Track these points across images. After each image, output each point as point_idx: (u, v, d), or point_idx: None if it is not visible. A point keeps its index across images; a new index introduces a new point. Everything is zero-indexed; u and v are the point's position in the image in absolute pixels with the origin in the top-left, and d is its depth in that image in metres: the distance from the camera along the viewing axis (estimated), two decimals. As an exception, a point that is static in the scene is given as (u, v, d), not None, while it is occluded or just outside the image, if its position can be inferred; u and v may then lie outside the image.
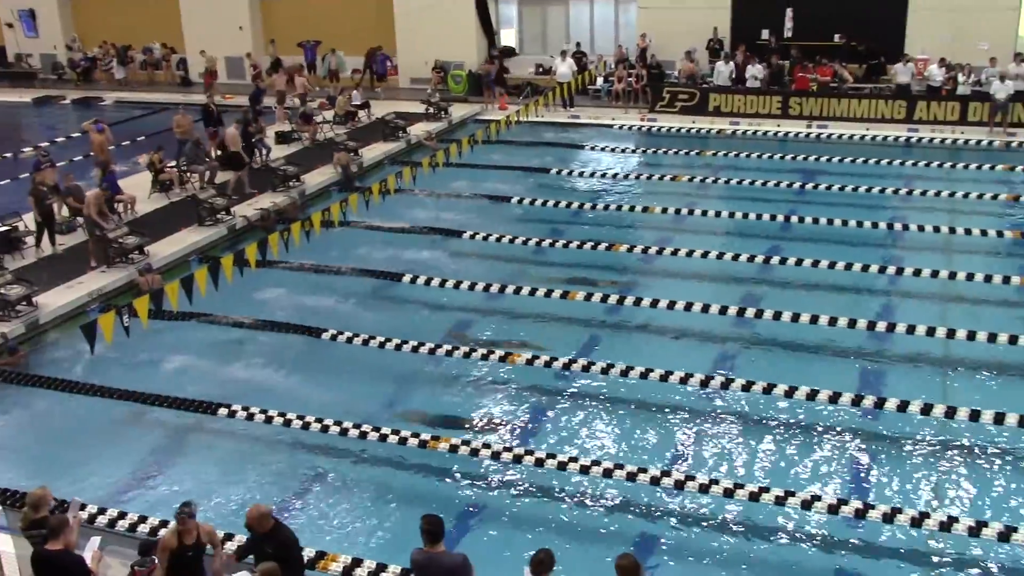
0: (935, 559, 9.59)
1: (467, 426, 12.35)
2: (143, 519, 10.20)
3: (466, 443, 11.47)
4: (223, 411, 12.35)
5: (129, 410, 12.82)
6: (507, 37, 34.54)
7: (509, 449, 11.37)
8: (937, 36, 27.65)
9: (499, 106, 29.82)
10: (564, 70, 29.40)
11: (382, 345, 14.09)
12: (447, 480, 11.20)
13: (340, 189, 22.15)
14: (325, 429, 11.91)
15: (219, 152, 23.02)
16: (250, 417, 12.23)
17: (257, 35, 35.00)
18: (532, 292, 15.74)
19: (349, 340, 14.22)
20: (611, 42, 32.55)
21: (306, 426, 11.99)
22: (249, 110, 25.18)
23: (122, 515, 10.27)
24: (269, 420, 12.14)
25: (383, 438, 11.65)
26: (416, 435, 11.61)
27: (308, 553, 9.42)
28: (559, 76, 29.36)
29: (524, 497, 10.83)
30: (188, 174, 21.95)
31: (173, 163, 22.20)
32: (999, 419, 11.50)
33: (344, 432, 11.83)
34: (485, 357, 13.71)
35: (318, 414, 12.11)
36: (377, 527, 10.42)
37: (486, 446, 11.43)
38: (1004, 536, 9.49)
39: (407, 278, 16.52)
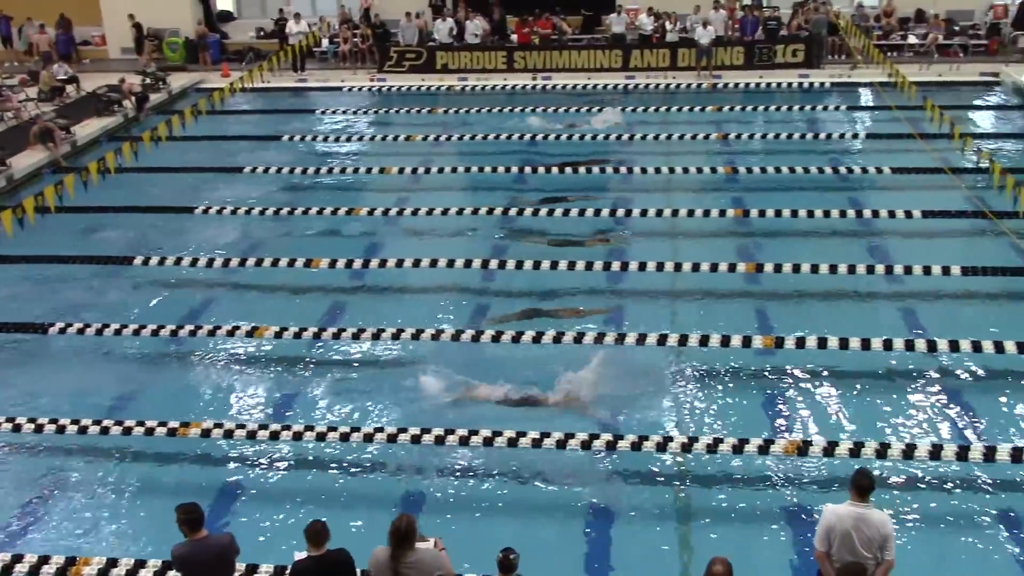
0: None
1: (220, 407, 11.92)
2: None
3: (219, 426, 11.06)
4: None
5: None
6: (223, 1, 33.16)
7: (265, 427, 11.07)
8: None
9: (222, 73, 28.62)
10: (298, 31, 28.68)
11: (118, 332, 13.30)
12: (203, 466, 10.78)
13: (53, 171, 20.55)
14: (61, 430, 11.11)
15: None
16: (-26, 426, 11.23)
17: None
18: (275, 263, 15.31)
19: (80, 332, 13.31)
20: (333, 3, 31.97)
21: (39, 429, 11.15)
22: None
23: None
24: (-4, 427, 11.20)
25: (127, 431, 11.02)
26: (163, 424, 11.05)
27: (57, 561, 8.85)
28: (293, 37, 28.60)
29: (287, 471, 10.62)
30: None
31: None
32: (725, 341, 12.37)
33: (83, 430, 11.08)
34: (231, 333, 13.25)
35: (53, 414, 11.30)
36: (131, 524, 9.88)
37: (240, 426, 11.07)
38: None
39: (139, 260, 15.62)
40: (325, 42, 30.63)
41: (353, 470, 10.60)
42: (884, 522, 7.38)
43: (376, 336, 13.03)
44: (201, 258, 15.72)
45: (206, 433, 10.95)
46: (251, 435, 10.92)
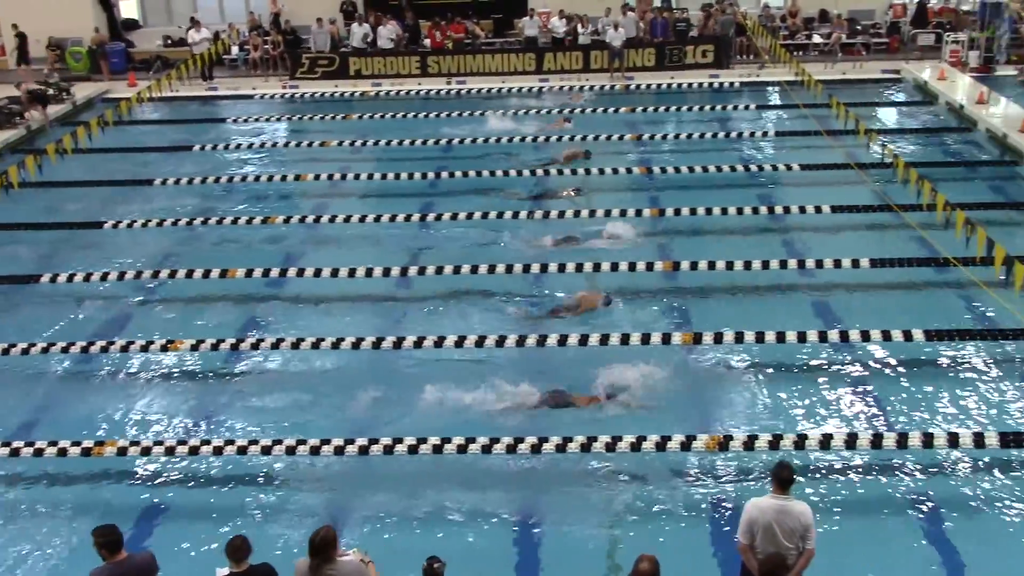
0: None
1: (137, 425, 11.63)
2: None
3: (136, 443, 10.79)
4: None
5: None
6: (128, 9, 32.42)
7: (184, 442, 10.83)
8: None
9: (128, 83, 27.97)
10: (200, 39, 28.13)
11: (26, 351, 12.88)
12: (120, 485, 10.48)
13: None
14: (-33, 454, 10.74)
15: None
16: None
17: None
18: (189, 275, 15.00)
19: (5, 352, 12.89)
20: (242, 9, 31.52)
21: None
22: None
23: None
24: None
25: (39, 452, 10.67)
26: (77, 443, 10.73)
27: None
28: (196, 47, 28.06)
29: (207, 487, 10.40)
30: None
31: None
32: (645, 339, 12.53)
33: (-8, 454, 10.72)
34: (145, 348, 12.94)
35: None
36: (47, 549, 9.54)
37: (158, 443, 10.82)
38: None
39: (46, 278, 15.16)
40: (235, 49, 30.16)
41: (276, 483, 10.44)
42: (804, 513, 7.54)
43: (295, 346, 12.86)
44: (112, 272, 15.32)
45: (122, 451, 10.67)
46: (170, 451, 10.67)
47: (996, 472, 10.13)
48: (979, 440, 10.26)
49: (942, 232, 14.81)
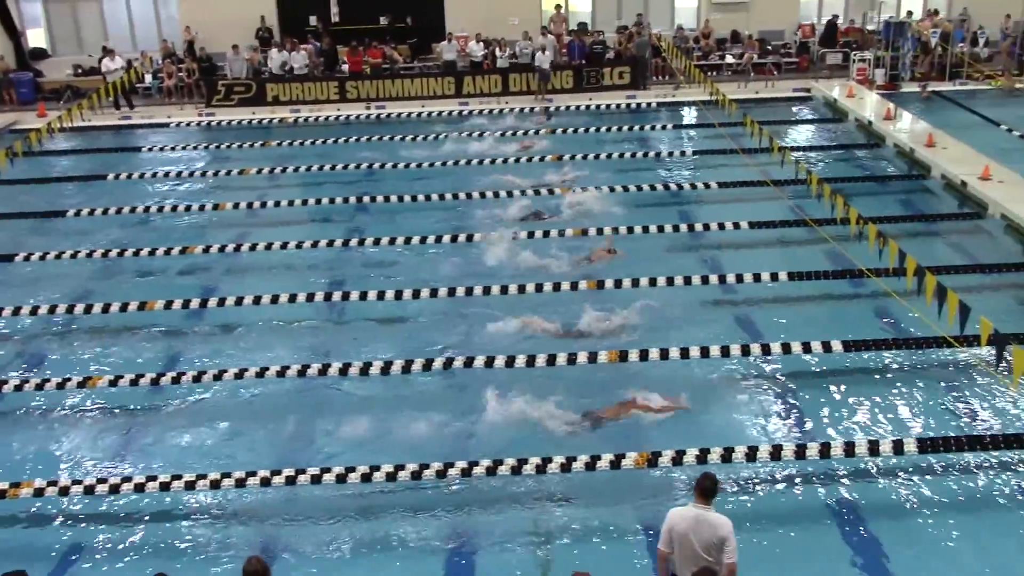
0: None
1: (54, 464, 11.26)
2: None
3: (53, 483, 10.45)
4: None
5: None
6: (36, 38, 31.68)
7: (104, 480, 10.53)
8: (473, 13, 29.57)
9: (38, 113, 27.27)
10: (115, 68, 27.63)
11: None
12: (37, 528, 10.15)
13: None
14: None
15: None
16: None
17: None
18: (105, 309, 14.66)
19: None
20: (155, 37, 31.06)
21: None
22: None
23: None
24: None
25: (-50, 497, 10.30)
26: (-10, 486, 10.38)
27: None
28: (110, 75, 27.53)
29: (130, 525, 10.11)
30: None
31: None
32: (571, 360, 12.60)
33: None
34: (61, 386, 12.56)
35: None
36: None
37: (77, 482, 10.49)
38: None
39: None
40: (148, 77, 29.66)
41: (202, 518, 10.20)
42: (722, 524, 7.54)
43: (217, 377, 12.62)
44: (24, 307, 14.86)
45: (39, 492, 10.34)
46: (88, 490, 10.36)
47: (915, 478, 10.39)
48: (898, 447, 10.52)
49: (856, 245, 15.18)
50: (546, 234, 17.11)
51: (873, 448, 10.52)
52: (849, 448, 10.51)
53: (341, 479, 10.33)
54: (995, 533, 9.58)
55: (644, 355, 12.61)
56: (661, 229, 17.15)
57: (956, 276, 14.46)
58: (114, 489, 10.35)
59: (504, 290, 14.75)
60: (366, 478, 10.32)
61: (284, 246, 16.96)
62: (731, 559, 7.45)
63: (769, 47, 30.72)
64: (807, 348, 12.74)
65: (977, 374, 12.41)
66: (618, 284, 14.80)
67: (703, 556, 7.47)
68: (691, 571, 7.34)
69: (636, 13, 30.24)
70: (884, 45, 28.08)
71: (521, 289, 14.79)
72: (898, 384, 12.30)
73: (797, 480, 10.46)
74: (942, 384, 12.36)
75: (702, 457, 10.41)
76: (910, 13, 30.70)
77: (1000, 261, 15.67)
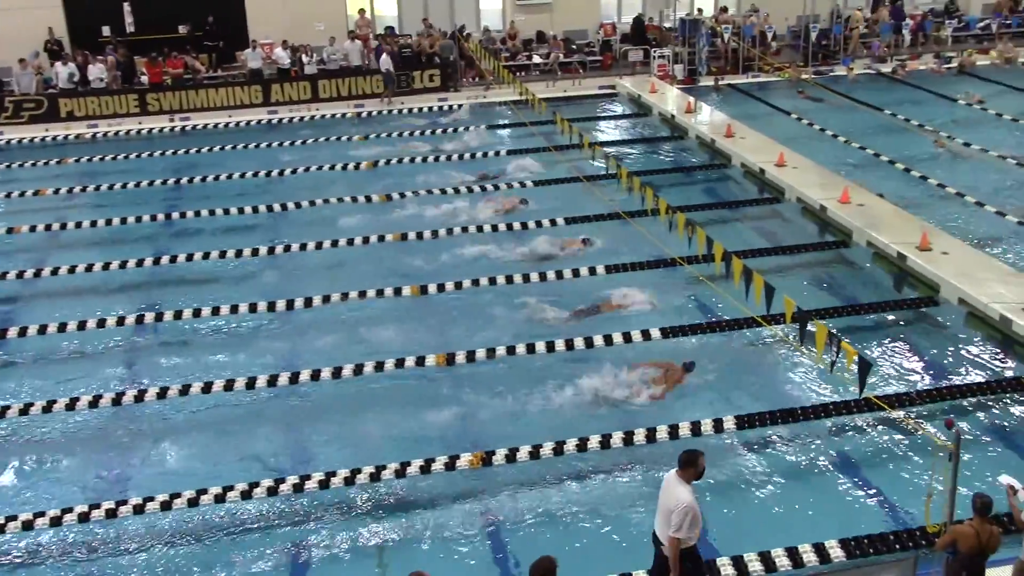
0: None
1: None
2: None
3: None
4: None
5: None
6: None
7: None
8: (276, 19, 28.93)
9: None
10: None
11: None
12: None
13: None
14: None
15: None
16: None
17: None
18: None
19: None
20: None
21: None
22: None
23: None
24: None
25: None
26: None
27: None
28: None
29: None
30: None
31: None
32: (420, 362, 12.55)
33: None
34: None
35: None
36: None
37: None
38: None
39: None
40: (-75, 96, 27.54)
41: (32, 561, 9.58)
42: (679, 499, 7.90)
43: (24, 411, 11.89)
44: None
45: None
46: None
47: (741, 451, 10.89)
48: (718, 426, 11.02)
49: (668, 234, 15.70)
50: (365, 240, 16.95)
51: (695, 429, 10.98)
52: (673, 430, 10.94)
53: (166, 506, 9.92)
54: (815, 495, 10.17)
55: (470, 356, 12.67)
56: (480, 228, 17.34)
57: (760, 259, 15.23)
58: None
59: (308, 302, 14.63)
60: (193, 503, 9.95)
61: (89, 268, 16.13)
62: (672, 532, 7.90)
63: (574, 46, 31.45)
64: (627, 338, 13.15)
65: (784, 349, 13.11)
66: (441, 288, 14.79)
67: (664, 518, 7.99)
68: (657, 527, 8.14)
69: (422, 19, 30.28)
70: (681, 41, 29.24)
71: (342, 296, 14.61)
72: (713, 365, 12.71)
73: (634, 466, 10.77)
74: (753, 362, 12.98)
75: (535, 453, 10.54)
76: (700, 11, 32.12)
77: (798, 243, 16.62)
